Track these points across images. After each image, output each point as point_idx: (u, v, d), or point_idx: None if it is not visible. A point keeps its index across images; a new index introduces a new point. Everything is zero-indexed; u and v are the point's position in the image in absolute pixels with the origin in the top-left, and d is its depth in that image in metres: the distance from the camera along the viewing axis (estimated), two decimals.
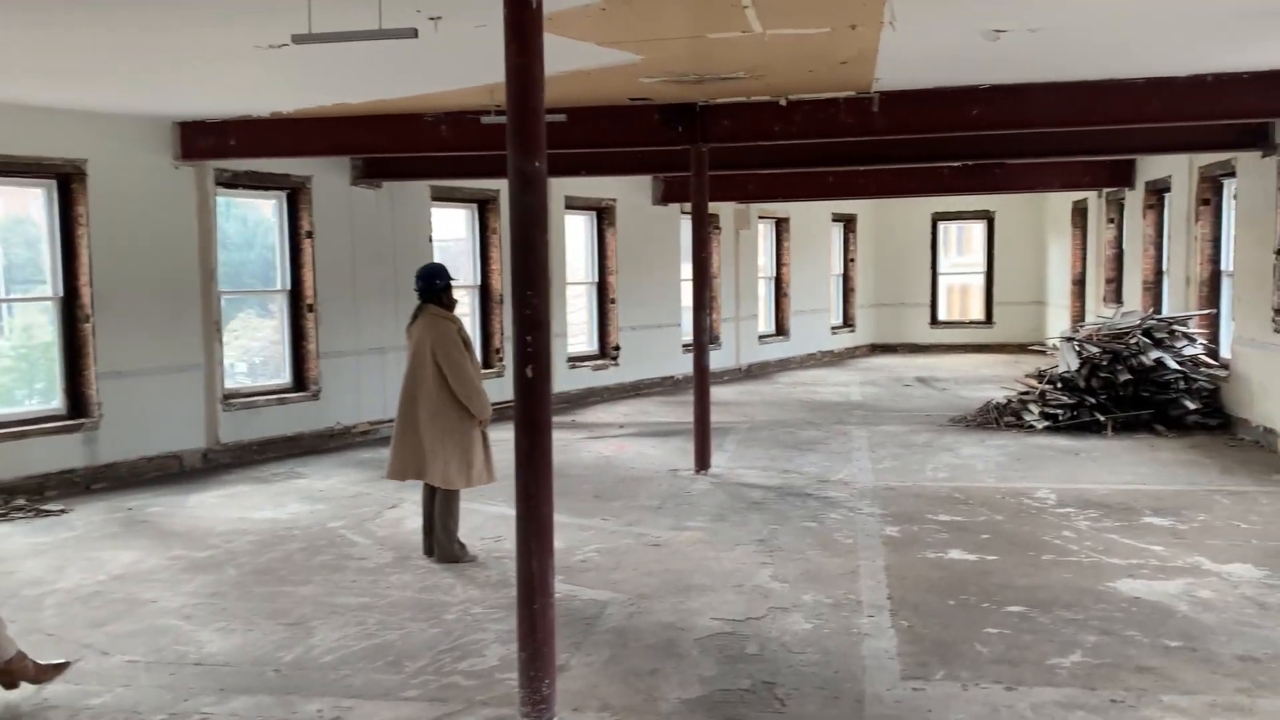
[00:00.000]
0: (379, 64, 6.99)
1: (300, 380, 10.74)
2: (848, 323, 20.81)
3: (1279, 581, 5.81)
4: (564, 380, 13.65)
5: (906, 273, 21.48)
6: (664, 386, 15.50)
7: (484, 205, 12.69)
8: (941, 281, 21.80)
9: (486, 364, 12.76)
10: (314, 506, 8.09)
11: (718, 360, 16.45)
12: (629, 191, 14.71)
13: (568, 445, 10.65)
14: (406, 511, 7.75)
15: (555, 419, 12.40)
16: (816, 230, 19.48)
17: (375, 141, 9.22)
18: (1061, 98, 8.18)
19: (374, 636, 5.21)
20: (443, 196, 12.07)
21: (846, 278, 20.88)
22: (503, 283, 12.76)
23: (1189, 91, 7.97)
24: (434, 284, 6.47)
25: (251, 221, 11.02)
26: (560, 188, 13.44)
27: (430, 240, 11.91)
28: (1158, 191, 13.49)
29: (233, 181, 9.99)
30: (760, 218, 17.88)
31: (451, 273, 6.70)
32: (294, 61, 6.70)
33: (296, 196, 10.62)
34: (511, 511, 7.71)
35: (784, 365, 18.35)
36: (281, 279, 10.68)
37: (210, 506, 8.17)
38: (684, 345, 16.01)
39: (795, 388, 15.67)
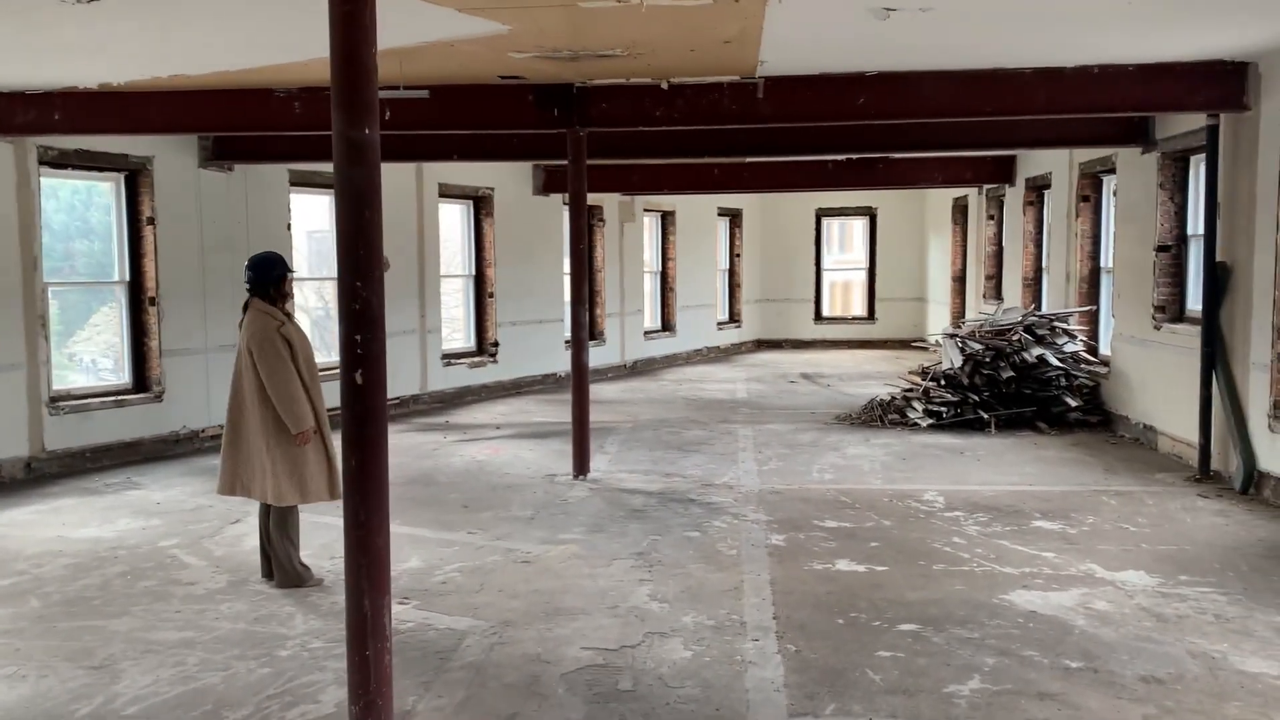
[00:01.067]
0: (212, 30, 6.24)
1: (141, 380, 9.81)
2: (734, 318, 20.56)
3: (1172, 590, 5.59)
4: (438, 379, 12.96)
5: (791, 269, 21.37)
6: (546, 384, 14.92)
7: None
8: (825, 278, 21.76)
9: None
10: (147, 522, 7.26)
11: (602, 357, 15.99)
12: (509, 180, 14.08)
13: (437, 449, 9.99)
14: (250, 527, 6.99)
15: (426, 420, 11.83)
16: (703, 225, 19.16)
17: (220, 119, 8.41)
18: (951, 87, 7.93)
19: (192, 680, 4.52)
20: (303, 181, 11.24)
21: (732, 273, 20.63)
22: None
23: (1076, 83, 7.80)
24: (267, 275, 5.74)
25: (100, 207, 10.01)
26: (433, 174, 12.74)
27: (289, 228, 11.07)
28: (1038, 188, 13.52)
29: (60, 161, 9.01)
30: (646, 211, 17.45)
31: (290, 263, 5.94)
32: (110, 23, 5.90)
33: (136, 179, 9.68)
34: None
35: (670, 362, 17.97)
36: (119, 269, 9.73)
37: (23, 524, 7.27)
38: (567, 341, 15.43)
39: (681, 385, 15.28)
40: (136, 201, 9.71)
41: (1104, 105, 7.96)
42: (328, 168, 11.36)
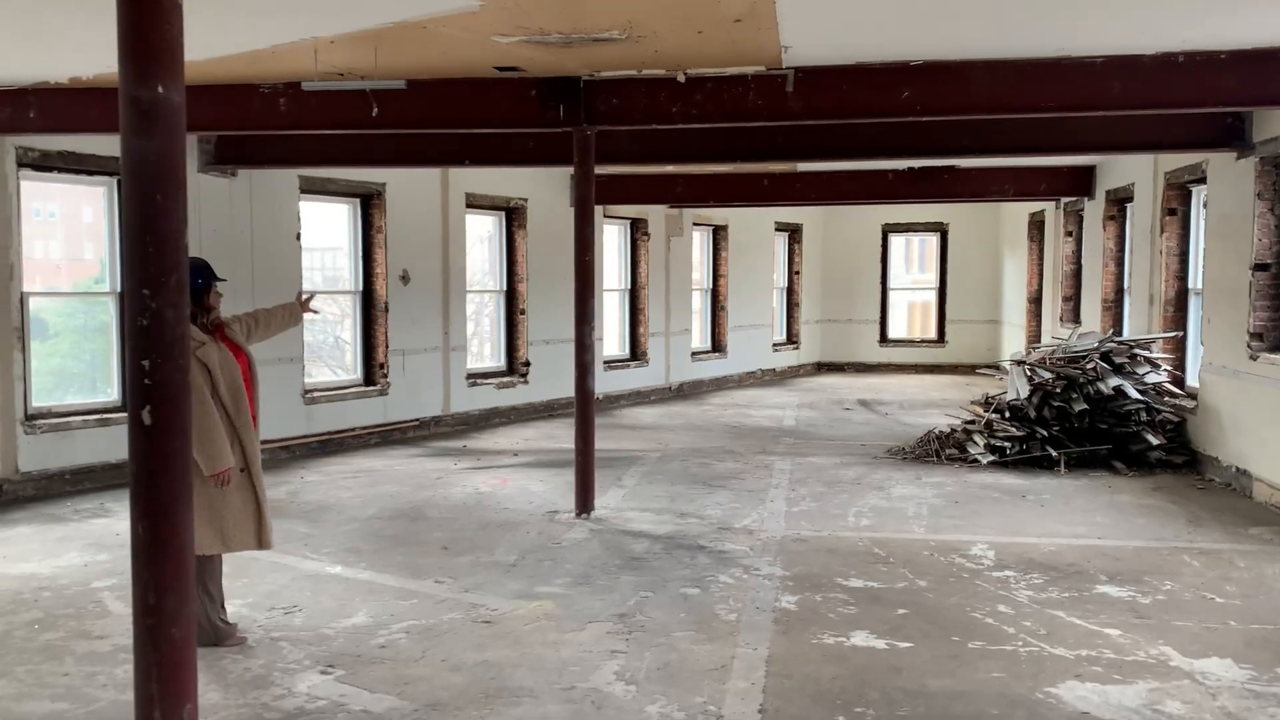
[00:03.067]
0: None
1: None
2: (791, 339, 19.50)
3: (1268, 687, 4.48)
4: (462, 399, 12.21)
5: (855, 288, 20.24)
6: None
7: (367, 200, 11.22)
8: (891, 297, 20.57)
9: (369, 380, 11.29)
10: (94, 558, 6.57)
11: (644, 378, 15.14)
12: (544, 191, 13.31)
13: (441, 478, 9.19)
14: None
15: (443, 444, 11.01)
16: (759, 240, 18.18)
17: (200, 117, 7.72)
18: (1007, 78, 6.89)
19: None
20: (315, 189, 10.59)
21: (791, 291, 19.58)
22: (388, 289, 11.29)
23: (1155, 73, 6.70)
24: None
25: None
26: (460, 183, 12.02)
27: (298, 238, 10.43)
28: (1119, 201, 12.29)
29: (43, 163, 8.46)
30: (696, 225, 16.55)
31: (216, 271, 5.17)
32: (58, 13, 5.24)
33: None
34: (340, 570, 6.36)
35: (719, 384, 17.00)
36: (111, 280, 9.15)
37: None
38: (606, 362, 14.63)
39: (726, 410, 14.30)
40: None
41: (1190, 99, 6.83)
42: (343, 174, 10.87)
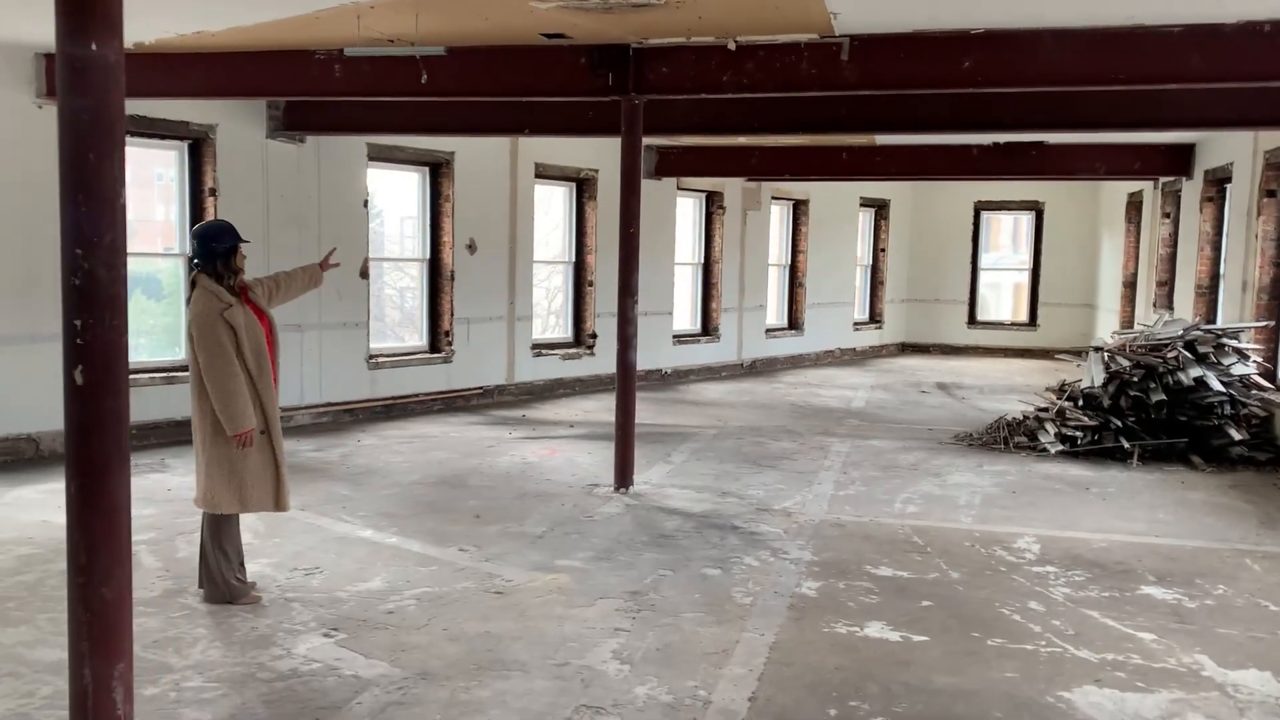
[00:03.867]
0: None
1: None
2: (874, 319, 19.07)
3: None
4: (526, 369, 12.25)
5: (943, 267, 19.66)
6: (649, 381, 14.00)
7: (436, 169, 11.29)
8: (982, 278, 19.93)
9: (434, 348, 11.41)
10: (140, 511, 6.72)
11: (715, 354, 14.99)
12: (614, 161, 12.98)
13: (493, 447, 9.24)
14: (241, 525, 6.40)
15: (503, 414, 11.09)
16: (841, 215, 17.77)
17: (256, 83, 7.87)
18: (1075, 48, 6.52)
19: (21, 714, 3.85)
20: (382, 156, 10.69)
21: (875, 269, 19.13)
22: (453, 257, 11.36)
23: (1239, 43, 6.26)
24: (215, 247, 5.04)
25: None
26: (529, 154, 12.00)
27: (366, 205, 10.55)
28: (1218, 182, 11.61)
29: None
30: (775, 199, 16.26)
31: (241, 233, 5.21)
32: None
33: (200, 148, 9.33)
34: (370, 534, 6.44)
35: (795, 363, 16.73)
36: (181, 243, 9.40)
37: (21, 505, 6.93)
38: (676, 337, 14.53)
39: (796, 388, 14.07)
40: (200, 172, 9.36)
41: (1276, 70, 6.36)
42: (411, 141, 10.95)
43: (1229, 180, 11.04)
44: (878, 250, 19.09)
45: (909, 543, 6.45)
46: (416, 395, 11.07)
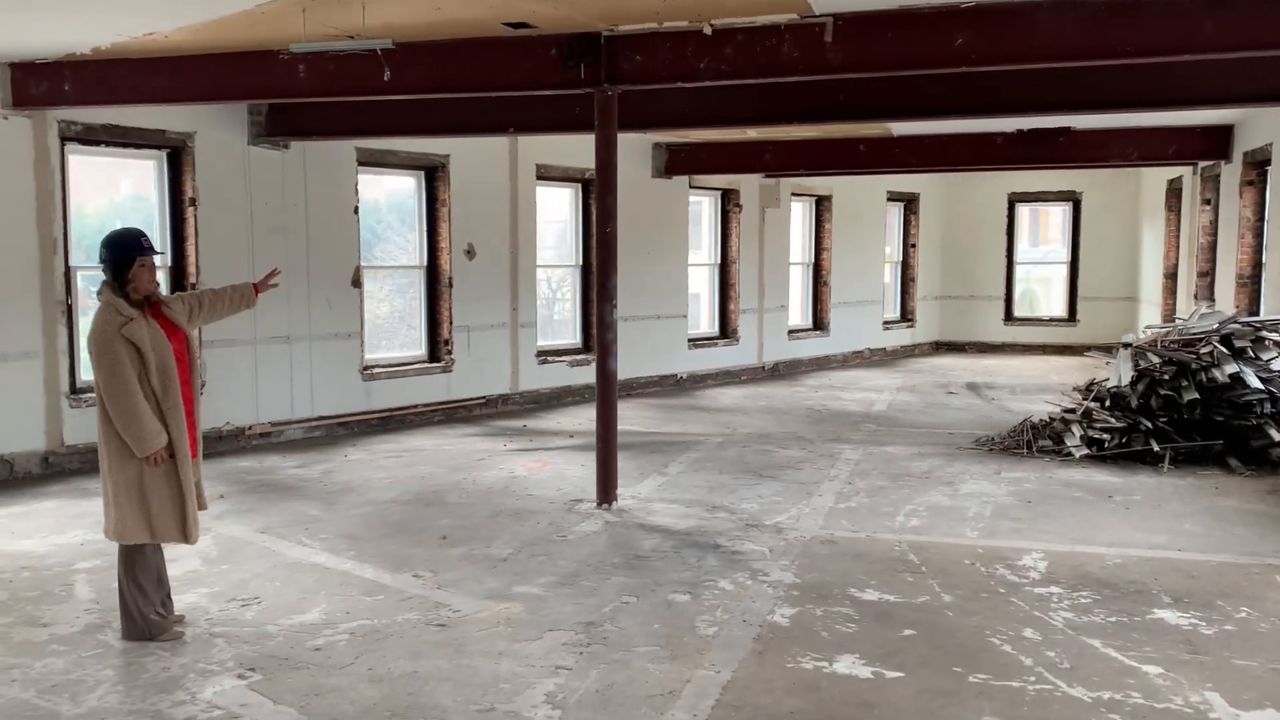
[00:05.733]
0: None
1: None
2: (905, 317, 18.44)
3: None
4: (531, 377, 11.88)
5: (978, 262, 18.97)
6: (663, 386, 13.58)
7: (431, 173, 10.96)
8: (1018, 272, 19.20)
9: (433, 357, 11.08)
10: (93, 536, 6.48)
11: (734, 357, 14.52)
12: (623, 161, 12.62)
13: (483, 460, 8.86)
14: (189, 552, 6.09)
15: (505, 424, 10.70)
16: (868, 211, 17.18)
17: (220, 86, 7.56)
18: (1078, 20, 6.00)
19: None
20: (373, 161, 10.38)
21: (906, 266, 18.50)
22: (452, 263, 11.01)
23: (1254, 8, 5.68)
24: (116, 257, 4.66)
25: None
26: (530, 154, 11.63)
27: (356, 212, 10.24)
28: (1258, 164, 10.91)
29: (87, 137, 8.48)
30: (795, 195, 15.74)
31: (151, 240, 4.83)
32: None
33: (179, 157, 9.07)
34: (324, 559, 6.05)
35: (820, 365, 16.18)
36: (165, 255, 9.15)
37: None
38: (691, 340, 14.09)
39: (817, 392, 13.54)
40: (179, 181, 9.11)
41: None
42: (404, 145, 10.62)
43: (1269, 162, 10.35)
44: (908, 246, 18.47)
45: (903, 561, 5.94)
46: (415, 406, 10.74)
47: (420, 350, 11.10)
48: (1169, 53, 6.13)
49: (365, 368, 10.37)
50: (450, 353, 11.06)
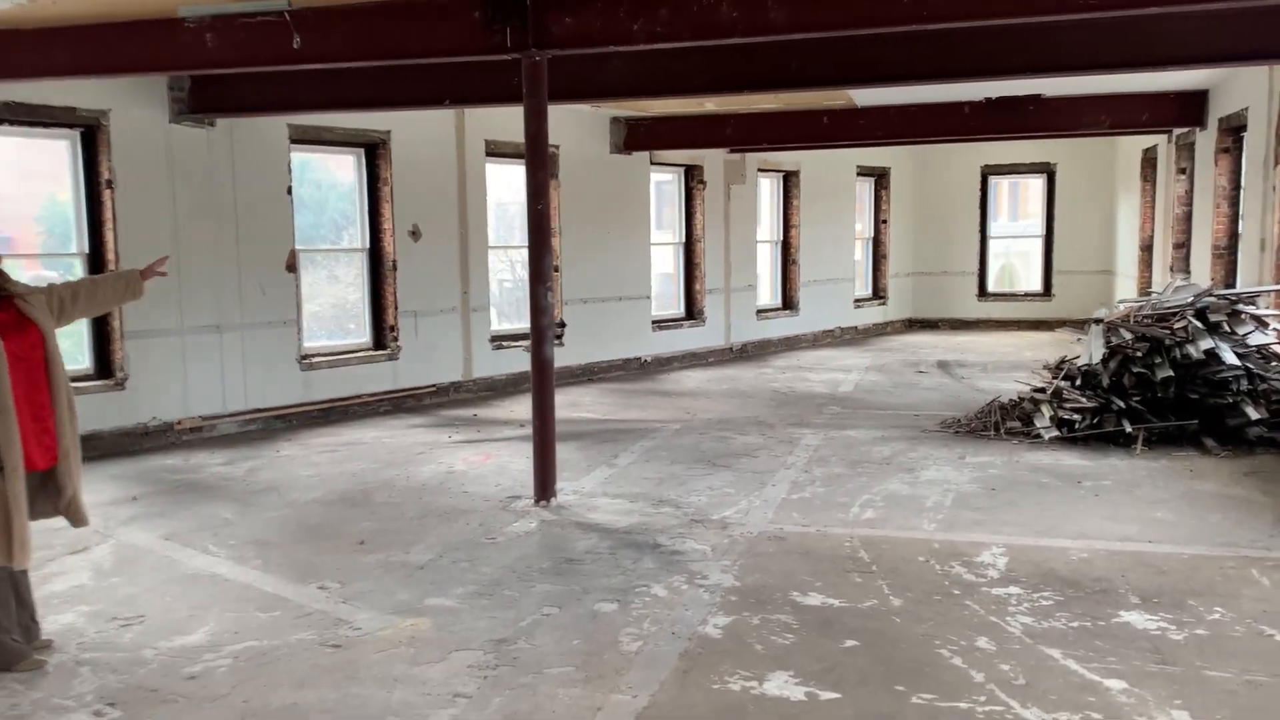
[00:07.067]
0: None
1: (104, 365, 8.69)
2: (877, 294, 18.04)
3: None
4: (485, 364, 11.40)
5: (951, 237, 18.56)
6: (627, 370, 13.12)
7: (372, 150, 10.42)
8: (992, 246, 18.80)
9: (378, 344, 10.58)
10: None
11: (701, 339, 14.06)
12: (581, 135, 12.28)
13: (422, 454, 8.39)
14: (77, 565, 5.62)
15: (455, 413, 10.20)
16: (837, 186, 16.73)
17: (123, 57, 7.03)
18: None
19: None
20: (308, 139, 9.84)
21: (877, 242, 18.07)
22: (395, 245, 10.50)
23: None
24: None
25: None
26: (479, 129, 11.11)
27: (289, 192, 9.70)
28: (1233, 131, 10.50)
29: None
30: (761, 171, 15.26)
31: None
32: None
33: (94, 136, 8.51)
34: (226, 570, 5.49)
35: (790, 344, 15.75)
36: (78, 240, 8.61)
37: None
38: (655, 322, 13.62)
39: (784, 373, 13.11)
40: (94, 162, 8.55)
41: None
42: (339, 120, 10.06)
43: (1244, 129, 9.94)
44: (879, 222, 18.03)
45: (853, 559, 5.52)
46: (359, 397, 10.25)
47: (364, 337, 10.60)
48: (1137, 4, 5.67)
49: (304, 357, 9.87)
50: (396, 339, 10.56)
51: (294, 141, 9.70)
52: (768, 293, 15.86)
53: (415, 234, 10.64)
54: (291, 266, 9.69)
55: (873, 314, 17.73)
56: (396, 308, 10.55)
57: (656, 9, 6.14)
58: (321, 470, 7.84)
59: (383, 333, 10.58)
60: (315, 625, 4.68)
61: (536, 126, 6.59)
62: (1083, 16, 6.22)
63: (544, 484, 6.71)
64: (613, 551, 5.72)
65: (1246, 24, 7.05)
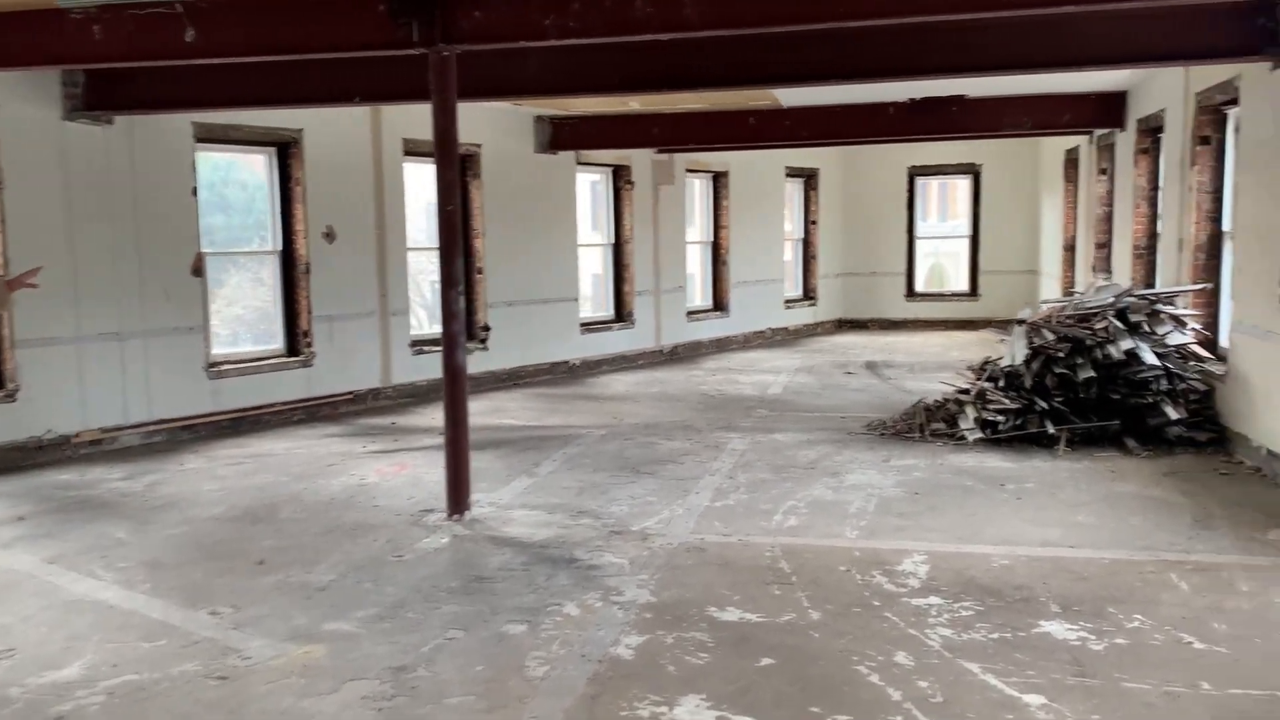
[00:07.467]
0: None
1: None
2: (808, 295, 18.03)
3: None
4: (405, 370, 11.07)
5: (880, 237, 18.63)
6: (555, 374, 12.89)
7: (284, 149, 10.05)
8: (919, 247, 18.91)
9: (291, 350, 10.21)
10: None
11: (630, 341, 13.89)
12: (503, 135, 12.02)
13: (333, 465, 8.08)
14: None
15: (372, 421, 9.84)
16: (767, 187, 16.68)
17: (4, 49, 6.63)
18: None
19: None
20: (214, 137, 9.44)
21: (807, 243, 18.06)
22: (309, 247, 10.14)
23: None
24: None
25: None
26: (396, 128, 10.78)
27: (194, 193, 9.29)
28: (1152, 131, 10.60)
29: None
30: (690, 171, 15.13)
31: None
32: None
33: None
34: (112, 595, 5.03)
35: (721, 346, 15.64)
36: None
37: None
38: (584, 324, 13.41)
39: (714, 375, 12.99)
40: None
41: None
42: (248, 118, 9.66)
43: (1162, 130, 10.02)
44: (809, 223, 18.02)
45: (773, 570, 5.36)
46: (272, 405, 9.87)
47: (277, 343, 10.22)
48: (1051, 3, 5.61)
49: (212, 364, 9.47)
50: (310, 345, 10.20)
51: (199, 140, 9.30)
52: (699, 294, 15.73)
53: (330, 236, 10.29)
54: (198, 270, 9.30)
55: (803, 315, 17.71)
56: (310, 312, 10.19)
57: (569, 4, 5.94)
58: (227, 484, 7.49)
59: (296, 338, 10.21)
60: (202, 655, 4.39)
61: (445, 125, 6.34)
62: (999, 15, 6.17)
63: (457, 497, 6.46)
64: (526, 567, 5.50)
65: (1163, 26, 7.06)
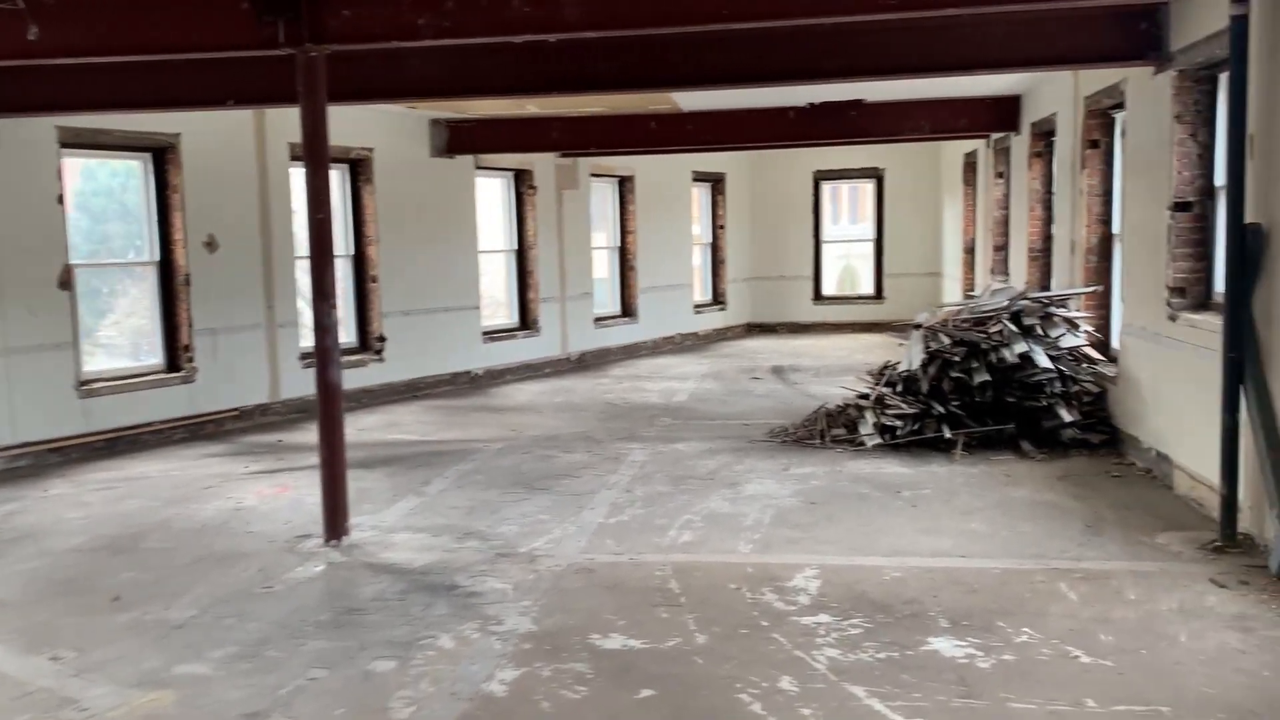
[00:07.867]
0: None
1: None
2: (717, 300, 17.98)
3: None
4: (295, 383, 10.62)
5: (786, 241, 18.67)
6: (456, 385, 12.55)
7: (160, 155, 9.57)
8: (826, 250, 19.00)
9: (171, 366, 9.72)
10: None
11: (536, 350, 13.62)
12: (397, 138, 11.67)
13: (210, 488, 7.66)
14: None
15: (258, 439, 9.38)
16: (674, 192, 16.56)
17: None
18: None
19: None
20: (81, 142, 8.92)
21: (715, 248, 18.00)
22: (188, 256, 9.67)
23: None
24: None
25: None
26: (281, 130, 10.32)
27: (60, 200, 8.77)
28: (1045, 135, 10.72)
29: None
30: (595, 176, 14.93)
31: None
32: None
33: None
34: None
35: (630, 352, 15.46)
36: None
37: None
38: (486, 333, 13.10)
39: (620, 383, 12.80)
40: None
41: None
42: (118, 122, 9.14)
43: (1054, 133, 10.13)
44: (716, 227, 17.97)
45: (662, 591, 5.17)
46: (150, 424, 9.37)
47: (156, 359, 9.72)
48: (947, 4, 5.53)
49: (83, 382, 8.95)
50: (192, 360, 9.73)
51: (65, 145, 8.78)
52: (607, 300, 15.53)
53: (211, 245, 9.83)
54: (65, 283, 8.78)
55: (713, 319, 17.65)
56: (192, 325, 9.72)
57: (443, 3, 5.69)
58: (92, 511, 7.04)
59: (177, 353, 9.72)
60: (36, 707, 4.03)
61: (315, 128, 6.01)
62: (882, 17, 6.10)
63: (334, 522, 6.13)
64: (402, 597, 5.22)
65: (1054, 30, 7.08)
